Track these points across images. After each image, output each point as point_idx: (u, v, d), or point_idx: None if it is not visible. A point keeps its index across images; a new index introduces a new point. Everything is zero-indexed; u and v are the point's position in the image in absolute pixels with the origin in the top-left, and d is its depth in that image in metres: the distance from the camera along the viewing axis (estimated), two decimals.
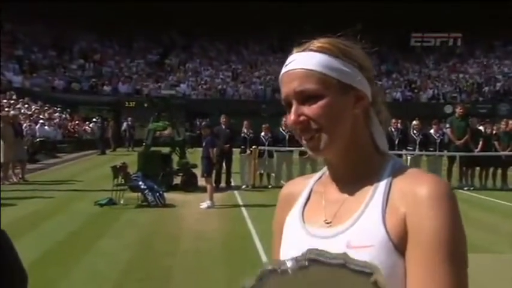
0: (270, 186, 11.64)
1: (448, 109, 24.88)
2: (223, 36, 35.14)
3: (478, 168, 11.96)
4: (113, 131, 23.20)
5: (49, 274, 4.86)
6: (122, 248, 5.94)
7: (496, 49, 36.50)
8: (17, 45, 30.32)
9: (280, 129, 11.88)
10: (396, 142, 11.47)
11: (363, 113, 0.93)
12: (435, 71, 34.41)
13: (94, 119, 24.02)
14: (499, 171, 11.94)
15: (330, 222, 0.91)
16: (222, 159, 11.14)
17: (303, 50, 0.92)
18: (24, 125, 16.60)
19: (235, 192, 10.80)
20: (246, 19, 32.94)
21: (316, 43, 0.92)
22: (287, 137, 11.59)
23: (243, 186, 11.40)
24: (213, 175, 9.67)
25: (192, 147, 12.04)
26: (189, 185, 10.60)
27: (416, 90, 31.46)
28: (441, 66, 35.11)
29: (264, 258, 5.52)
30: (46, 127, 19.34)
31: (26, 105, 21.87)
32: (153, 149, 11.57)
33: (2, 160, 11.17)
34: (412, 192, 0.84)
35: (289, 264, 0.73)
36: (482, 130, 12.71)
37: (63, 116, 23.73)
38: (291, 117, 0.91)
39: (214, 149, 9.10)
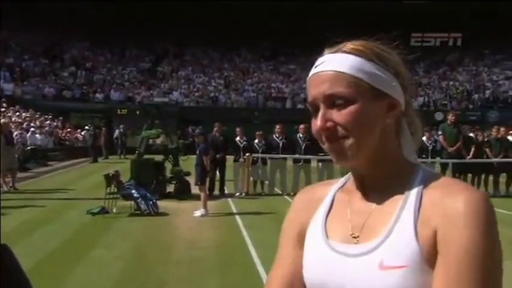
0: (263, 194, 11.61)
1: (438, 116, 25.05)
2: (216, 43, 35.20)
3: (470, 175, 12.03)
4: (105, 139, 23.09)
5: (40, 285, 4.76)
6: (115, 258, 5.86)
7: (485, 57, 36.93)
8: (8, 53, 30.14)
9: (274, 136, 11.89)
10: None
11: (394, 122, 0.87)
12: (426, 78, 34.72)
13: (86, 127, 23.88)
14: (491, 177, 12.02)
15: (357, 237, 0.84)
16: (216, 167, 11.10)
17: (335, 52, 0.86)
18: (15, 133, 16.43)
19: (229, 200, 10.74)
20: (238, 27, 33.05)
21: (350, 45, 0.87)
22: (281, 144, 11.61)
23: (237, 194, 11.36)
24: (207, 183, 9.62)
25: (185, 154, 11.97)
26: (183, 193, 10.52)
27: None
28: (431, 74, 35.43)
29: (259, 267, 5.46)
30: (37, 135, 19.16)
31: (17, 113, 21.70)
32: (146, 156, 11.53)
33: None
34: (444, 204, 0.78)
35: None
36: (473, 137, 12.81)
37: (55, 123, 23.57)
38: (318, 122, 0.84)
39: (208, 157, 9.07)
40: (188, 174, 10.90)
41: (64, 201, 10.16)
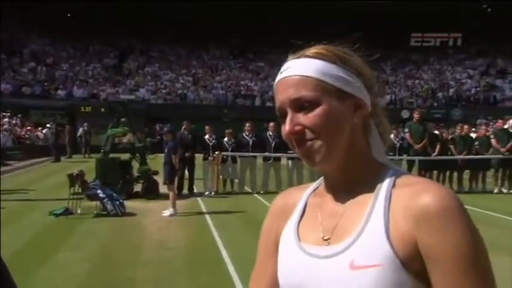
0: (233, 192, 11.54)
1: (405, 114, 25.62)
2: (183, 40, 34.78)
3: (435, 172, 12.33)
4: (69, 137, 22.43)
5: None
6: (81, 260, 5.67)
7: (449, 56, 38.08)
8: None
9: (244, 134, 11.82)
10: None
11: (362, 122, 0.88)
12: (392, 76, 35.47)
13: (48, 125, 23.11)
14: (455, 174, 12.36)
15: (328, 239, 0.85)
16: (185, 166, 10.96)
17: (299, 57, 0.88)
18: None
19: (199, 199, 10.62)
20: (206, 23, 32.76)
21: (312, 49, 0.88)
22: (250, 142, 11.56)
23: (206, 193, 11.23)
24: (176, 182, 9.47)
25: (153, 153, 11.77)
26: (151, 193, 10.35)
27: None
28: (398, 72, 36.23)
29: (229, 266, 5.40)
30: None
31: None
32: (111, 155, 11.26)
33: None
34: (414, 204, 0.79)
35: None
36: (438, 134, 13.13)
37: (13, 121, 22.67)
38: (286, 127, 0.85)
39: (177, 155, 8.93)
40: (156, 173, 10.71)
41: (25, 202, 9.78)
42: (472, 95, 32.59)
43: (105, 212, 8.36)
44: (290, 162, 11.61)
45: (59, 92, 28.92)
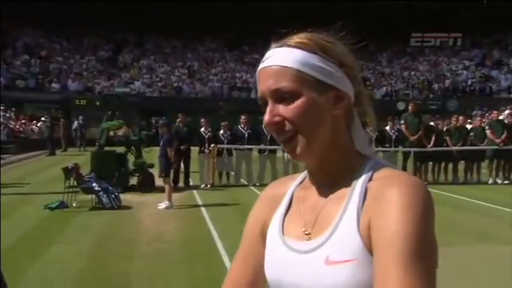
0: (229, 185, 11.54)
1: (400, 106, 25.64)
2: (178, 32, 34.56)
3: (430, 163, 12.35)
4: (64, 130, 22.31)
5: None
6: (75, 254, 5.63)
7: (444, 47, 38.06)
8: None
9: (239, 127, 11.80)
10: None
11: (344, 114, 0.87)
12: (388, 68, 35.43)
13: (42, 118, 22.98)
14: (450, 165, 12.39)
15: (309, 234, 0.85)
16: (180, 158, 10.94)
17: (280, 46, 0.86)
18: None
19: (194, 191, 10.60)
20: (201, 15, 32.55)
21: (295, 38, 0.87)
22: (246, 134, 11.54)
23: (202, 186, 11.22)
24: (171, 175, 9.44)
25: (148, 146, 11.73)
26: (146, 186, 10.33)
27: (370, 88, 32.30)
28: (394, 64, 36.18)
29: (225, 259, 5.39)
30: None
31: None
32: (107, 148, 11.21)
33: None
34: (381, 195, 0.79)
35: None
36: (434, 126, 13.14)
37: (7, 115, 22.52)
38: (266, 117, 0.85)
39: (172, 148, 8.90)
40: (152, 166, 10.68)
41: (19, 196, 9.72)
42: (468, 86, 32.61)
43: (100, 205, 8.32)
44: (285, 154, 11.58)
45: (54, 85, 28.75)
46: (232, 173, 11.84)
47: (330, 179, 0.88)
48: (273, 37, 0.89)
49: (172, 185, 9.26)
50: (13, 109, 23.95)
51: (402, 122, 12.26)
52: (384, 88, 31.89)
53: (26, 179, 11.95)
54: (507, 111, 20.05)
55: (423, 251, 0.73)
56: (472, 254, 5.59)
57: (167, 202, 8.50)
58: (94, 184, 8.55)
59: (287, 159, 11.56)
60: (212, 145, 11.21)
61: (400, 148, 12.17)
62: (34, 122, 23.84)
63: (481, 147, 12.25)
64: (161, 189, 9.10)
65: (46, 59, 31.33)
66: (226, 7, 32.81)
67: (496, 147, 11.97)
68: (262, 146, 11.50)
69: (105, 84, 29.28)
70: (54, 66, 30.91)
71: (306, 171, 0.95)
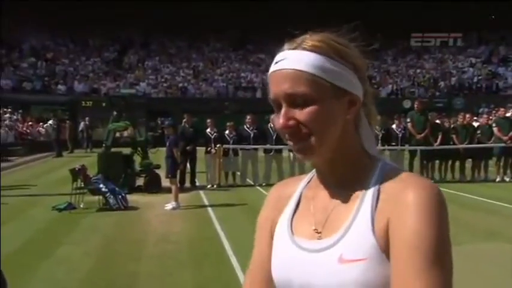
0: (235, 185, 11.54)
1: (406, 104, 25.54)
2: (183, 32, 34.61)
3: (437, 162, 12.28)
4: (70, 132, 22.41)
5: None
6: (83, 255, 5.68)
7: (449, 44, 37.81)
8: None
9: (245, 127, 11.79)
10: None
11: (354, 116, 0.88)
12: (394, 66, 35.24)
13: (49, 120, 23.09)
14: (457, 163, 12.32)
15: (320, 233, 0.86)
16: (186, 159, 10.95)
17: (295, 48, 0.85)
18: None
19: (201, 192, 10.62)
20: (205, 15, 32.56)
21: (309, 41, 0.86)
22: (252, 134, 11.53)
23: (208, 186, 11.23)
24: (178, 175, 9.46)
25: (155, 147, 11.78)
26: (153, 186, 10.35)
27: (376, 86, 32.14)
28: (399, 62, 36.00)
29: (232, 259, 5.40)
30: None
31: None
32: (113, 149, 11.26)
33: None
34: (397, 197, 0.80)
35: None
36: (440, 124, 13.07)
37: (14, 117, 22.66)
38: (280, 120, 0.84)
39: (178, 149, 8.92)
40: (158, 167, 10.71)
41: (27, 197, 9.79)
42: (474, 83, 32.34)
43: (107, 206, 8.36)
44: (291, 154, 11.56)
45: (60, 87, 28.86)
46: (238, 173, 11.84)
47: (340, 179, 0.89)
48: (286, 38, 0.88)
49: (178, 185, 9.28)
50: (20, 111, 24.08)
51: (408, 120, 12.20)
52: (390, 86, 31.73)
53: (33, 181, 12.03)
54: None
55: (441, 254, 0.75)
56: (480, 252, 5.56)
57: (174, 203, 8.51)
58: (101, 185, 8.59)
59: (293, 159, 11.55)
60: (218, 145, 11.22)
61: (407, 146, 12.11)
62: (41, 124, 23.95)
63: (488, 144, 12.17)
64: (168, 190, 9.13)
65: (52, 61, 31.49)
66: (230, 7, 32.81)
67: (503, 144, 11.89)
68: (268, 146, 11.49)
69: (110, 86, 29.38)
70: (60, 68, 31.06)
71: (313, 171, 0.96)
